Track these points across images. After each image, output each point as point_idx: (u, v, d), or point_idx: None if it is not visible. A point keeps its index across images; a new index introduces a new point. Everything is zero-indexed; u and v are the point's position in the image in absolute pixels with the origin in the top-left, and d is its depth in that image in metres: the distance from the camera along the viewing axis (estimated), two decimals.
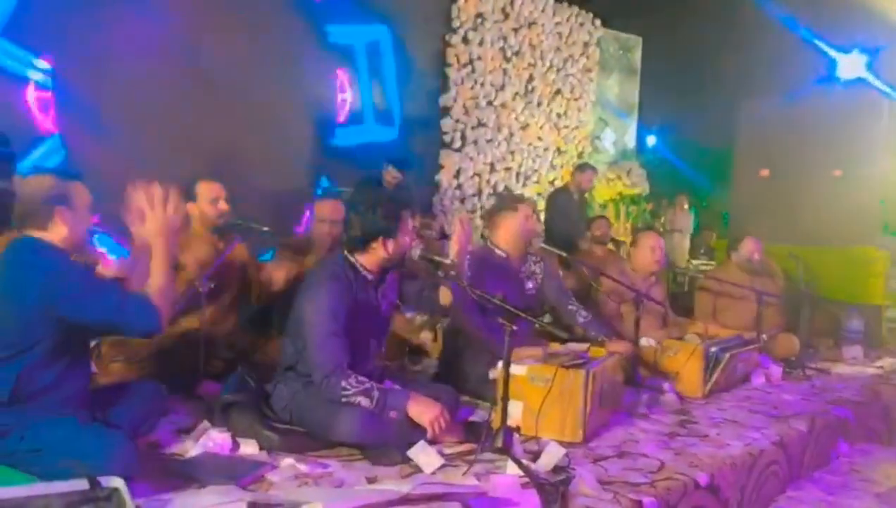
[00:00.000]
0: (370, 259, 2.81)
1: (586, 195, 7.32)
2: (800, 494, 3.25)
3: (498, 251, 3.77)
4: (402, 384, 2.94)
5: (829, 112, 8.15)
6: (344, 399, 2.60)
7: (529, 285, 3.86)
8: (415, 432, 2.60)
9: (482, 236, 7.58)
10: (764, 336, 4.70)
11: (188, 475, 2.27)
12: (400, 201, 2.89)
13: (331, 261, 2.88)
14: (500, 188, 8.02)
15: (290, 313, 2.82)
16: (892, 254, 7.03)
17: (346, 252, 2.84)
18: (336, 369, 2.63)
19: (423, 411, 2.59)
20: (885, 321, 6.67)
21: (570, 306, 3.94)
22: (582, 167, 7.06)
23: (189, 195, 3.61)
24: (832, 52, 9.28)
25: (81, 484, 1.81)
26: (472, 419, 3.10)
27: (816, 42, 9.25)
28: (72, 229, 2.25)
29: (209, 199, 3.61)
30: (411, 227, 2.88)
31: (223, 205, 3.63)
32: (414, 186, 6.42)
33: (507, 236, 3.78)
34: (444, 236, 7.25)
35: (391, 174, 6.01)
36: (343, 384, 2.60)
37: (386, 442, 2.56)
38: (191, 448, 2.53)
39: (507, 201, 3.93)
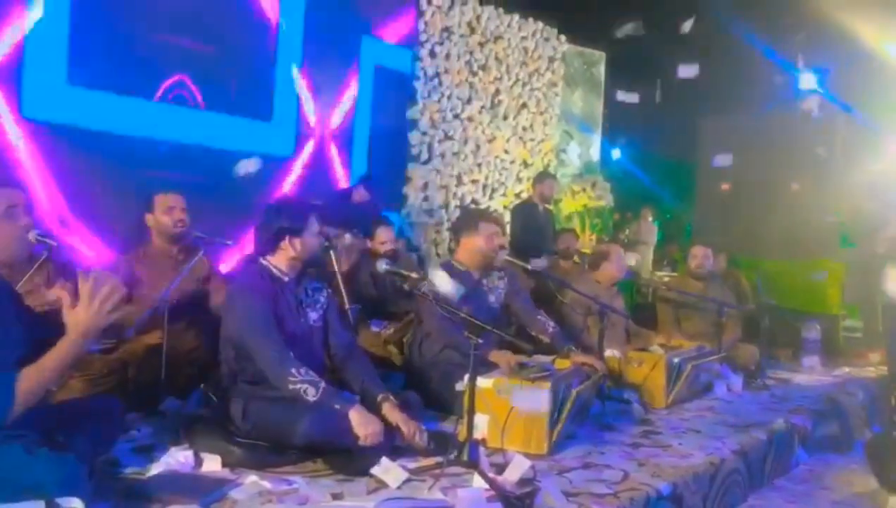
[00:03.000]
0: (281, 260, 2.86)
1: (551, 208, 7.38)
2: (761, 503, 3.30)
3: (459, 266, 3.79)
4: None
5: (787, 128, 8.37)
6: (291, 386, 2.58)
7: (492, 298, 3.87)
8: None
9: (449, 249, 7.60)
10: (724, 353, 4.79)
11: (149, 494, 2.23)
12: (307, 204, 3.04)
13: (245, 271, 2.94)
14: (468, 201, 8.06)
15: (220, 327, 2.83)
16: (849, 266, 7.22)
17: (259, 258, 2.90)
18: (279, 357, 2.63)
19: (363, 422, 2.56)
20: (842, 331, 6.84)
21: (538, 317, 3.95)
22: (540, 177, 7.10)
23: (148, 207, 3.63)
24: (791, 71, 9.55)
25: (38, 506, 1.78)
26: (437, 432, 3.10)
27: (776, 60, 9.51)
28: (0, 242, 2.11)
29: (165, 208, 3.61)
30: (318, 230, 2.91)
31: (178, 214, 3.62)
32: (381, 203, 6.43)
33: (469, 253, 3.79)
34: (412, 249, 7.26)
35: (360, 194, 6.06)
36: (292, 370, 2.60)
37: (339, 442, 2.55)
38: (152, 467, 2.49)
39: (470, 220, 3.89)
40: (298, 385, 2.59)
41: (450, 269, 3.77)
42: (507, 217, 7.35)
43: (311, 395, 2.58)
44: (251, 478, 2.44)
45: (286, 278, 2.86)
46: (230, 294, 2.85)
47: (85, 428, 2.31)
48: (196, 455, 2.56)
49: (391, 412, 2.74)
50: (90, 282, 2.02)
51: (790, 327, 6.01)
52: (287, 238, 2.82)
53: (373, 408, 2.72)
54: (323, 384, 2.61)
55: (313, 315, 2.93)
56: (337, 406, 2.59)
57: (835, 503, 3.39)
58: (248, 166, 5.67)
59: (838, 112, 8.33)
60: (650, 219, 10.40)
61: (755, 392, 4.62)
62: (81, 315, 2.02)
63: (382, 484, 2.45)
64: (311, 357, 2.85)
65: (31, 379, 1.96)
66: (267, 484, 2.41)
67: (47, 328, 2.20)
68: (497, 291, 3.88)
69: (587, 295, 4.27)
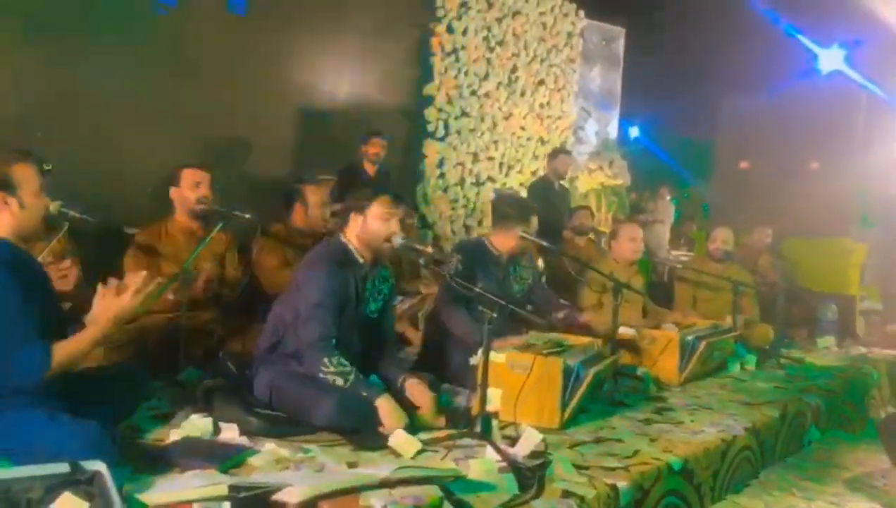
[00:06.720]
0: (353, 238, 2.93)
1: (566, 185, 7.35)
2: (772, 479, 3.32)
3: (491, 248, 3.81)
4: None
5: (808, 106, 8.25)
6: (321, 375, 2.67)
7: (516, 288, 3.89)
8: None
9: (464, 225, 7.61)
10: (738, 331, 4.78)
11: (169, 460, 2.28)
12: (380, 188, 3.19)
13: (331, 243, 3.01)
14: (484, 178, 8.03)
15: (286, 288, 2.92)
16: (869, 246, 7.14)
17: (340, 234, 2.98)
18: (322, 339, 2.72)
19: (391, 415, 2.65)
20: (860, 313, 6.79)
21: (561, 301, 4.04)
22: (554, 153, 7.08)
23: (174, 181, 3.66)
24: (813, 47, 9.39)
25: (62, 468, 1.83)
26: (451, 407, 3.14)
27: (798, 37, 9.34)
28: (18, 217, 2.13)
29: (191, 184, 3.64)
30: (384, 213, 2.92)
31: (203, 190, 3.65)
32: (394, 174, 6.43)
33: (505, 240, 3.79)
34: (426, 226, 7.28)
35: (378, 144, 5.85)
36: (325, 359, 2.68)
37: (362, 428, 2.60)
38: (172, 434, 2.54)
39: (526, 212, 3.84)
40: (329, 376, 2.68)
41: (482, 247, 3.80)
42: (524, 195, 7.34)
43: (340, 384, 2.67)
44: (269, 445, 2.49)
45: (361, 261, 2.93)
46: (308, 261, 2.95)
47: (108, 395, 2.38)
48: (214, 424, 2.61)
49: (414, 389, 2.84)
50: (141, 275, 2.17)
51: (807, 306, 5.97)
52: (353, 214, 2.92)
53: (394, 390, 2.82)
54: (352, 376, 2.69)
55: (373, 306, 3.01)
56: (364, 394, 2.67)
57: (846, 481, 3.39)
58: None
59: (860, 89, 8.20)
60: (667, 197, 10.32)
61: (769, 371, 4.62)
62: (127, 303, 2.14)
63: (397, 454, 2.49)
64: (353, 345, 2.91)
65: (63, 354, 2.08)
66: (284, 451, 2.46)
67: (61, 306, 2.34)
68: (524, 282, 3.92)
69: (602, 273, 4.28)
